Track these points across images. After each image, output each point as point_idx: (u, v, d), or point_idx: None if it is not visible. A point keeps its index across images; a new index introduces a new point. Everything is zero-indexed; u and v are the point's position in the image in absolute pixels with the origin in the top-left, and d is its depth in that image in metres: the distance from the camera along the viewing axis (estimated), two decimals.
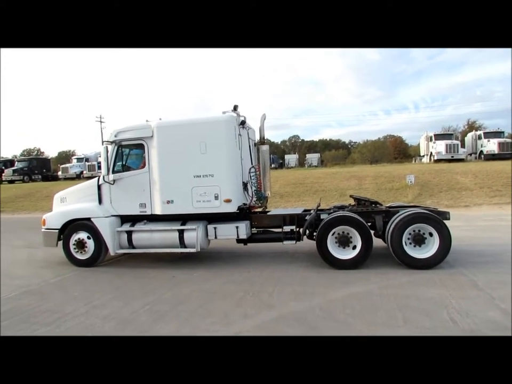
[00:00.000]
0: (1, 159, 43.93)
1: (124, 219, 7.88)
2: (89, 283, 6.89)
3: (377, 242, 7.09)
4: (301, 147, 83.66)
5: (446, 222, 6.57)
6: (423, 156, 31.73)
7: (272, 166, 32.76)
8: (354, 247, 6.74)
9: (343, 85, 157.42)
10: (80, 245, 7.94)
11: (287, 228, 7.41)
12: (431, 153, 28.35)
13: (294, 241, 7.36)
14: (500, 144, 26.12)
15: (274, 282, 6.21)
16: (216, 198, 7.23)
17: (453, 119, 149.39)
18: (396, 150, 63.18)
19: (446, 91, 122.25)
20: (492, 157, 25.45)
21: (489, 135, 28.11)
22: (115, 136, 7.71)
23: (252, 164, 8.27)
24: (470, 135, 31.45)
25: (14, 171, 36.14)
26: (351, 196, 8.56)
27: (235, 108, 7.60)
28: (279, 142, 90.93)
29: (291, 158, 50.68)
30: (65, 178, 34.52)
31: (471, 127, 51.33)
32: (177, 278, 6.89)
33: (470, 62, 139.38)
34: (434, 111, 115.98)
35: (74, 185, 9.16)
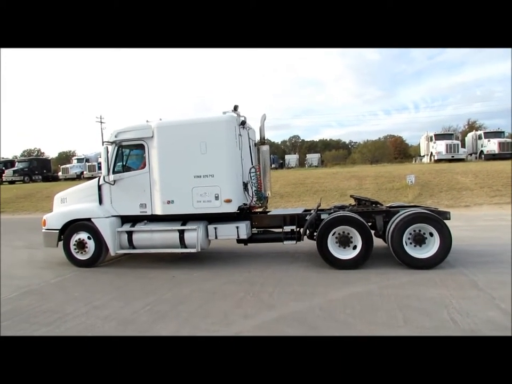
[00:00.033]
0: (2, 160, 43.99)
1: (124, 219, 7.88)
2: (89, 283, 6.89)
3: (377, 242, 7.08)
4: (301, 147, 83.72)
5: (446, 222, 6.56)
6: (424, 156, 31.72)
7: (273, 166, 32.77)
8: (354, 247, 6.74)
9: (343, 85, 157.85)
10: (81, 245, 7.94)
11: (287, 228, 7.41)
12: (432, 153, 28.33)
13: (295, 241, 7.36)
14: (500, 144, 26.10)
15: (274, 283, 6.21)
16: (217, 198, 7.23)
17: (453, 119, 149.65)
18: (396, 150, 63.27)
19: (446, 91, 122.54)
20: (492, 157, 25.44)
21: (489, 135, 28.10)
22: (115, 136, 7.72)
23: (252, 164, 8.28)
24: (470, 135, 31.46)
25: (14, 172, 36.19)
26: (351, 196, 8.56)
27: (235, 108, 7.60)
28: (279, 142, 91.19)
29: (291, 158, 50.64)
30: (66, 179, 34.45)
31: (471, 127, 51.39)
32: (177, 278, 6.89)
33: (470, 62, 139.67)
34: (435, 111, 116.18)
35: (74, 185, 9.16)
